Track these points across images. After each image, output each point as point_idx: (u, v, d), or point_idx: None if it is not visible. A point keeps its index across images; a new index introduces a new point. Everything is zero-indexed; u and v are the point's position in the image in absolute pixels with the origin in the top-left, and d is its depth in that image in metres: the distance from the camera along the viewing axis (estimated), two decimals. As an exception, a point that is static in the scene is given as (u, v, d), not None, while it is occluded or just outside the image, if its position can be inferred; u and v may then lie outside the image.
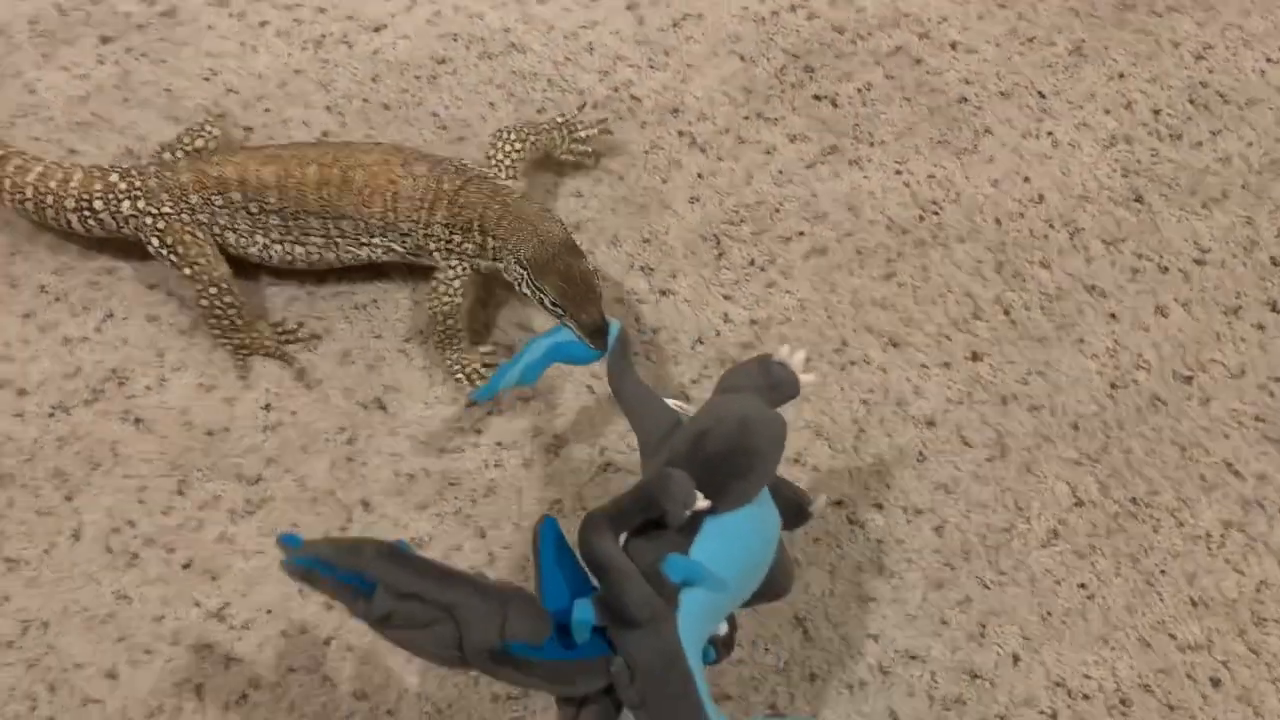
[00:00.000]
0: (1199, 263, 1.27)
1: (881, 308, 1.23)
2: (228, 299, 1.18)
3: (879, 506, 1.12)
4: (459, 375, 1.19)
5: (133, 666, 1.05)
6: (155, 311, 1.23)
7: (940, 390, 1.18)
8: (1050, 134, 1.35)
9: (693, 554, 0.83)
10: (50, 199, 1.20)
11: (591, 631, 0.82)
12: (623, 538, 0.85)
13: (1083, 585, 1.09)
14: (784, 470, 1.11)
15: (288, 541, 0.81)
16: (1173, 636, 1.08)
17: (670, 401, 0.97)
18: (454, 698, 1.04)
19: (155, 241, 1.19)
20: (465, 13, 1.42)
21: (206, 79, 1.37)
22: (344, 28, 1.40)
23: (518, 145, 1.23)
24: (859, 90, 1.37)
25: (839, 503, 1.12)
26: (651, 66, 1.39)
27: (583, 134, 1.30)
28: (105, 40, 1.39)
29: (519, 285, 1.12)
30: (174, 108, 1.34)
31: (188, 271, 1.18)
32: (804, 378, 0.95)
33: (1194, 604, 1.09)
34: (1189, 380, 1.20)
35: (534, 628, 0.81)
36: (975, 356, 1.21)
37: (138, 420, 1.17)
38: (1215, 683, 1.06)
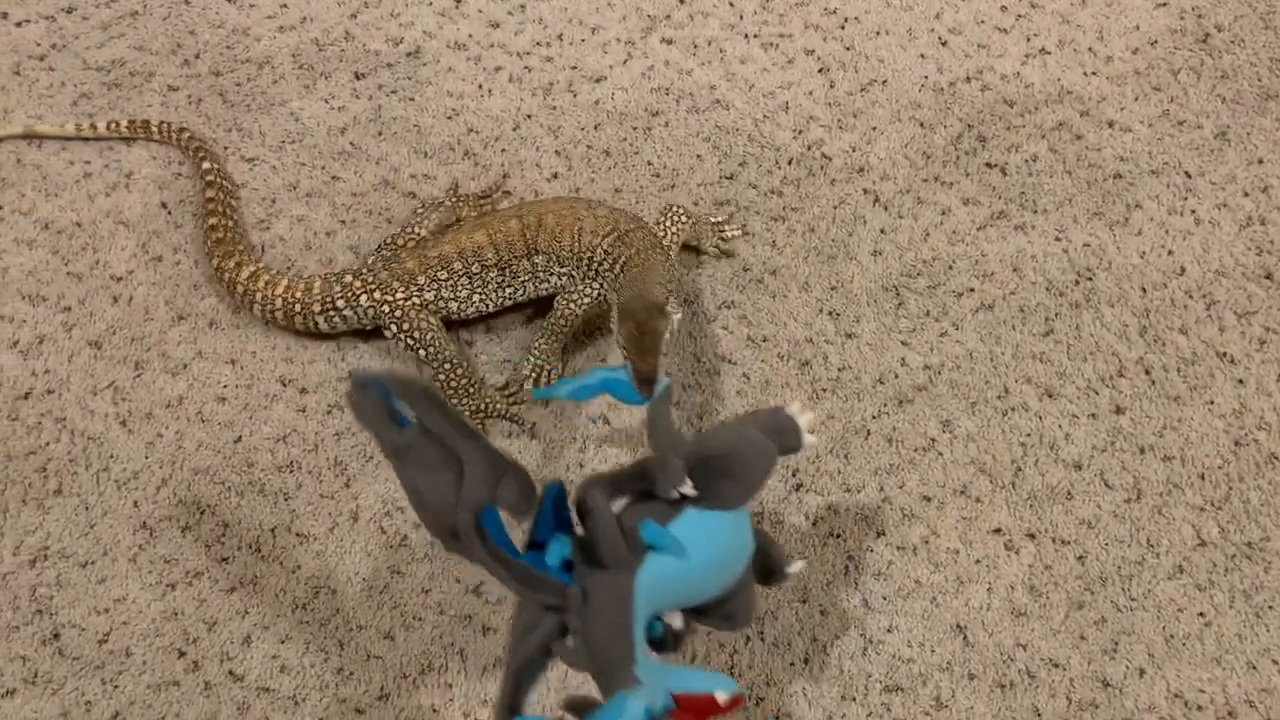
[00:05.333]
0: (1319, 337, 1.42)
1: (1039, 361, 1.40)
2: (459, 371, 1.34)
3: (1031, 536, 1.30)
4: (536, 371, 1.36)
5: (406, 629, 1.23)
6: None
7: (1087, 438, 1.35)
8: (1193, 212, 1.49)
9: (670, 529, 0.96)
10: (298, 307, 1.35)
11: (561, 568, 0.96)
12: (623, 503, 1.00)
13: (1201, 614, 1.26)
14: (950, 500, 1.28)
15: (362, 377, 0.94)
16: (1275, 662, 1.23)
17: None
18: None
19: (394, 327, 1.34)
20: (675, 68, 1.58)
21: (449, 117, 1.53)
22: (569, 77, 1.57)
23: (683, 221, 1.39)
24: (1026, 161, 1.52)
25: (997, 530, 1.31)
26: (840, 127, 1.54)
27: (728, 234, 1.46)
28: (359, 76, 1.56)
29: (611, 321, 1.28)
30: (423, 143, 1.51)
31: (423, 353, 1.33)
32: (807, 437, 1.06)
33: (1295, 636, 1.25)
34: (1304, 442, 1.36)
35: (521, 498, 0.92)
36: (1118, 410, 1.37)
37: (402, 421, 1.35)
38: (1309, 703, 1.22)
